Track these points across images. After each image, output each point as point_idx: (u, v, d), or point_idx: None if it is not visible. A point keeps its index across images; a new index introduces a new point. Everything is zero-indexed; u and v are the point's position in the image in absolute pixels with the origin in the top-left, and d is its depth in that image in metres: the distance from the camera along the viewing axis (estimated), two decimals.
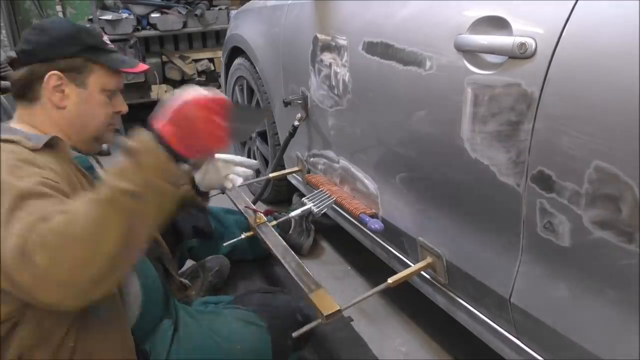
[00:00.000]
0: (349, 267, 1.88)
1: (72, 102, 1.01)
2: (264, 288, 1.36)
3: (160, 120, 0.75)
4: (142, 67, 1.11)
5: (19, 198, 0.72)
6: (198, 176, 1.26)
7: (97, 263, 0.68)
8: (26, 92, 0.99)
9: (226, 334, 1.09)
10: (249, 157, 2.47)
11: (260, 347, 1.12)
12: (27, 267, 0.66)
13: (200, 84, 3.70)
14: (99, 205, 0.69)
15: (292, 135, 1.79)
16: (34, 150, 0.87)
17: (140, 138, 0.74)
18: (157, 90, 3.71)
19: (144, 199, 0.70)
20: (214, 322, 1.09)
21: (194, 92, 0.76)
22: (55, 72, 0.98)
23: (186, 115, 0.75)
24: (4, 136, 0.88)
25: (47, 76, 0.97)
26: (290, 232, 1.91)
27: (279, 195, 2.25)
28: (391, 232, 1.37)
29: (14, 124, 1.01)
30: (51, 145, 0.91)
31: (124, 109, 1.09)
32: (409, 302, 1.60)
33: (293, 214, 1.55)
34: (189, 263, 1.71)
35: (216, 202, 1.82)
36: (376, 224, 1.35)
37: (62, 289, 0.68)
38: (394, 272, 1.24)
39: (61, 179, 0.85)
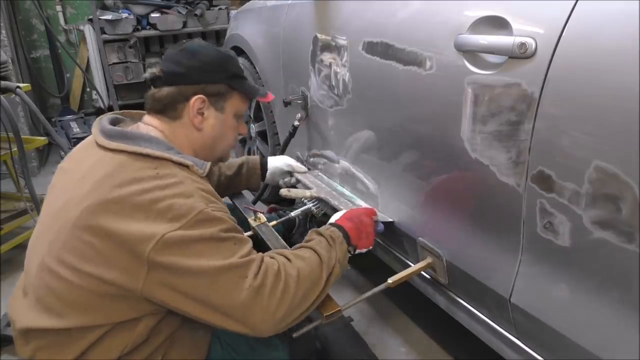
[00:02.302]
0: (349, 267, 1.88)
1: (209, 124, 1.07)
2: None
3: (346, 221, 1.16)
4: (270, 96, 1.25)
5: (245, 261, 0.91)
6: None
7: (308, 307, 0.97)
8: (169, 110, 1.04)
9: (244, 351, 1.08)
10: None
11: None
12: (268, 310, 0.89)
13: None
14: (322, 269, 1.01)
15: (292, 135, 1.79)
16: (200, 176, 0.97)
17: (336, 232, 1.11)
18: None
19: (335, 269, 1.04)
20: (235, 341, 1.08)
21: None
22: (201, 96, 1.03)
23: (362, 222, 1.18)
24: (177, 158, 0.94)
25: (193, 99, 1.03)
26: (293, 231, 1.90)
27: (279, 195, 2.25)
28: (391, 232, 1.37)
29: (149, 129, 1.02)
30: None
31: (245, 131, 1.21)
32: (409, 302, 1.60)
33: (293, 214, 1.55)
34: None
35: None
36: (376, 224, 1.35)
37: (281, 325, 0.92)
38: (394, 272, 1.23)
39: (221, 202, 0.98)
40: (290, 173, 1.63)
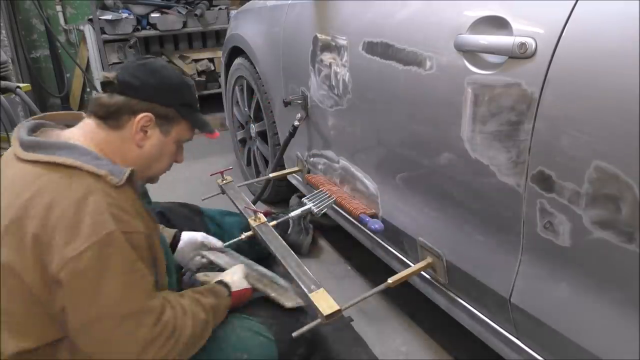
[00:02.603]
0: (349, 267, 1.88)
1: (150, 144, 1.05)
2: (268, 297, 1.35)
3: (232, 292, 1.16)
4: (217, 134, 1.21)
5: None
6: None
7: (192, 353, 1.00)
8: (111, 118, 1.01)
9: (233, 342, 1.09)
10: (248, 157, 2.48)
11: (266, 359, 1.12)
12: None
13: (200, 84, 3.72)
14: (208, 324, 1.03)
15: (292, 135, 1.79)
16: (116, 187, 0.92)
17: (222, 292, 1.14)
18: None
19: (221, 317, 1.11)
20: (222, 328, 1.09)
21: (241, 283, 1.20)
22: (149, 114, 1.02)
23: (239, 296, 1.18)
24: (89, 167, 0.91)
25: (140, 115, 1.01)
26: (289, 231, 1.91)
27: (279, 195, 2.25)
28: (391, 232, 1.37)
29: (81, 136, 1.00)
30: (128, 178, 0.95)
31: (182, 160, 1.18)
32: (409, 302, 1.60)
33: (292, 214, 1.55)
34: None
35: (215, 203, 1.82)
36: (376, 224, 1.35)
37: None
38: (394, 272, 1.24)
39: (138, 219, 0.95)
40: (202, 248, 1.43)
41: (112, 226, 0.87)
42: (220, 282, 1.17)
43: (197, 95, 1.15)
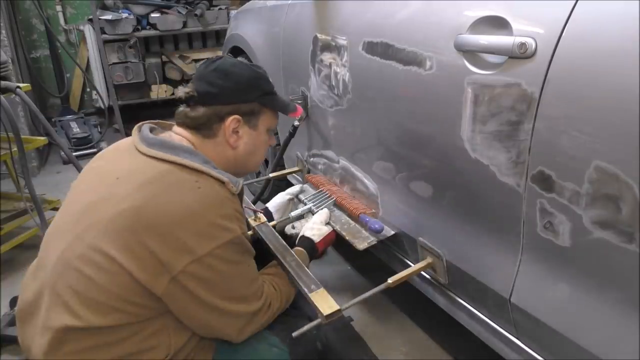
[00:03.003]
0: (349, 267, 1.88)
1: (243, 142, 1.08)
2: (289, 312, 1.36)
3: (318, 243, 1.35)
4: (300, 111, 1.27)
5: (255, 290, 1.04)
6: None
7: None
8: (203, 129, 1.04)
9: (248, 353, 1.08)
10: None
11: None
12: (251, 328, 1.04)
13: None
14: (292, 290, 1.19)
15: (292, 135, 1.79)
16: (233, 194, 0.98)
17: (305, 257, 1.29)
18: (157, 90, 3.71)
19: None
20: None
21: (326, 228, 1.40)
22: (237, 116, 1.04)
23: (325, 242, 1.38)
24: (214, 173, 0.96)
25: (229, 120, 1.04)
26: None
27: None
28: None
29: (183, 140, 1.03)
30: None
31: (274, 142, 1.23)
32: (409, 302, 1.60)
33: (293, 214, 1.55)
34: None
35: None
36: (376, 224, 1.35)
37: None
38: (394, 272, 1.24)
39: (244, 221, 1.03)
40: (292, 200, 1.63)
41: (237, 228, 0.94)
42: (304, 240, 1.33)
43: (270, 80, 1.17)
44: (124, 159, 0.99)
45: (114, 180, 0.94)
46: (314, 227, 1.37)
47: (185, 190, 0.91)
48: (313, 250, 1.32)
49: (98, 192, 0.94)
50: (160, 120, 1.14)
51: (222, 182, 0.96)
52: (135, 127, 1.05)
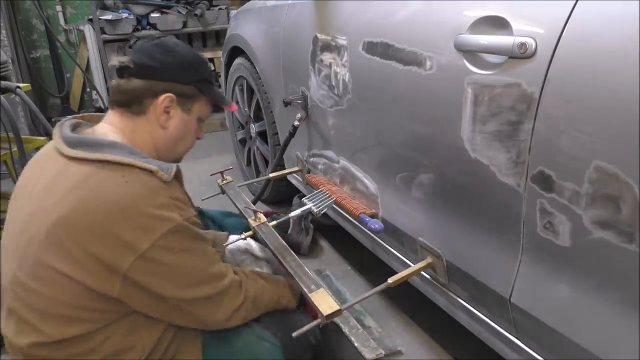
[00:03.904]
0: (349, 267, 1.88)
1: (174, 124, 1.06)
2: None
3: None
4: (234, 107, 1.25)
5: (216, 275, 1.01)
6: None
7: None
8: (134, 104, 1.02)
9: (239, 346, 1.08)
10: (248, 157, 2.48)
11: None
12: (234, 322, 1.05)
13: None
14: (276, 303, 1.17)
15: (292, 135, 1.79)
16: (166, 182, 0.93)
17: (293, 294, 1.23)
18: None
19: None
20: (227, 332, 1.08)
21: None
22: (171, 94, 1.02)
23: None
24: (140, 163, 0.91)
25: (162, 97, 1.02)
26: (289, 231, 1.91)
27: (279, 195, 2.25)
28: (391, 232, 1.37)
29: (111, 131, 1.01)
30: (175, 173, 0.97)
31: (203, 136, 1.20)
32: (409, 302, 1.60)
33: (292, 214, 1.55)
34: None
35: (215, 203, 1.82)
36: (376, 224, 1.35)
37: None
38: (394, 272, 1.23)
39: (189, 207, 0.98)
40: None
41: (177, 216, 0.90)
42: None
43: (211, 70, 1.16)
44: (49, 166, 0.95)
45: (41, 190, 0.91)
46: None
47: (112, 187, 0.87)
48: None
49: (29, 206, 0.92)
50: (85, 114, 1.12)
51: (151, 172, 0.91)
52: (57, 125, 1.00)
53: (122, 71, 1.02)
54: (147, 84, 1.01)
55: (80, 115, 1.10)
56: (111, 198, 0.86)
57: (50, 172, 0.93)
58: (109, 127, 1.02)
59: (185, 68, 1.05)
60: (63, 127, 0.99)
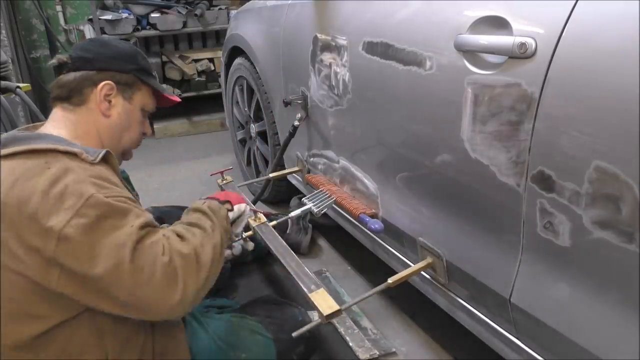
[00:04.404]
0: (349, 267, 1.88)
1: (117, 112, 1.08)
2: (272, 299, 1.36)
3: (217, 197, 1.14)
4: (176, 99, 1.24)
5: (139, 231, 0.88)
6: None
7: (211, 281, 0.94)
8: (74, 95, 1.03)
9: (232, 341, 1.09)
10: (248, 157, 2.48)
11: (265, 358, 1.12)
12: (175, 293, 0.86)
13: (200, 84, 3.71)
14: (216, 245, 0.96)
15: (292, 135, 1.79)
16: (92, 163, 0.92)
17: (214, 204, 1.08)
18: None
19: (224, 236, 1.03)
20: (220, 328, 1.09)
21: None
22: (110, 82, 1.04)
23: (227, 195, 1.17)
24: (63, 147, 0.91)
25: (101, 84, 1.04)
26: (287, 231, 1.91)
27: (279, 195, 2.25)
28: (391, 232, 1.37)
29: (51, 127, 1.02)
30: (104, 158, 0.96)
31: (149, 131, 1.20)
32: (409, 302, 1.60)
33: (292, 214, 1.55)
34: None
35: None
36: (376, 224, 1.35)
37: (187, 306, 0.89)
38: (394, 272, 1.24)
39: (119, 189, 0.94)
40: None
41: (92, 190, 0.86)
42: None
43: (149, 62, 1.18)
44: None
45: None
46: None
47: (35, 174, 0.87)
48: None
49: None
50: (34, 124, 1.11)
51: (74, 154, 0.91)
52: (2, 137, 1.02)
53: (60, 68, 1.05)
54: (86, 75, 1.04)
55: (25, 127, 1.09)
56: (34, 184, 0.85)
57: None
58: (51, 124, 1.03)
59: (121, 57, 1.08)
60: (2, 135, 1.00)
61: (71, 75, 1.03)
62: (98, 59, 1.05)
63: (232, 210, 1.14)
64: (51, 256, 0.83)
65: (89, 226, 0.84)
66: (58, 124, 1.03)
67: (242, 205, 1.19)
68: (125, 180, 1.08)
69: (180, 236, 0.94)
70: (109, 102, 1.06)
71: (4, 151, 0.92)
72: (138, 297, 0.86)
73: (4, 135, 0.98)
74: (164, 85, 1.23)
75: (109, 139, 1.08)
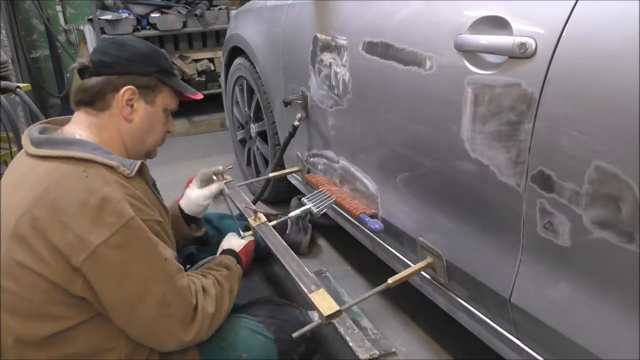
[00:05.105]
0: (349, 267, 1.88)
1: (139, 116, 1.07)
2: (273, 300, 1.36)
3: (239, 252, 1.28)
4: (199, 95, 1.22)
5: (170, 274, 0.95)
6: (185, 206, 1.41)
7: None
8: (97, 100, 1.03)
9: (233, 341, 1.09)
10: (248, 157, 2.48)
11: (266, 358, 1.12)
12: (189, 333, 0.96)
13: (200, 84, 3.72)
14: (228, 295, 1.09)
15: (292, 135, 1.79)
16: (127, 177, 0.94)
17: (231, 260, 1.20)
18: None
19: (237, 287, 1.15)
20: (221, 328, 1.09)
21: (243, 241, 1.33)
22: (132, 87, 1.03)
23: (247, 252, 1.31)
24: (101, 159, 0.92)
25: (123, 89, 1.03)
26: (287, 231, 1.91)
27: (279, 195, 2.25)
28: (391, 232, 1.37)
29: (77, 128, 1.02)
30: (139, 171, 0.98)
31: (173, 129, 1.20)
32: (409, 302, 1.60)
33: (292, 214, 1.55)
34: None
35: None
36: (376, 224, 1.35)
37: (197, 342, 1.01)
38: (394, 272, 1.23)
39: (152, 207, 0.97)
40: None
41: (132, 212, 0.89)
42: (224, 251, 1.27)
43: (171, 62, 1.17)
44: (19, 167, 0.98)
45: (11, 191, 0.93)
46: (232, 241, 1.33)
47: (72, 182, 0.88)
48: (237, 257, 1.25)
49: (2, 207, 0.93)
50: (53, 118, 1.12)
51: (112, 167, 0.93)
52: (26, 130, 1.02)
53: (83, 72, 1.04)
54: (107, 80, 1.02)
55: (47, 120, 1.10)
56: (70, 192, 0.87)
57: (18, 174, 0.95)
58: (76, 126, 1.03)
59: (141, 60, 1.06)
60: (31, 130, 1.01)
61: (93, 80, 1.02)
62: (118, 63, 1.03)
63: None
64: (77, 266, 0.85)
65: (125, 248, 0.88)
66: (83, 127, 1.02)
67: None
68: (153, 186, 1.08)
69: (205, 287, 1.03)
70: (131, 106, 1.05)
71: (39, 152, 0.93)
72: (151, 330, 0.93)
73: (35, 133, 0.99)
74: (186, 84, 1.21)
75: (132, 143, 1.07)
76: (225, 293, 1.08)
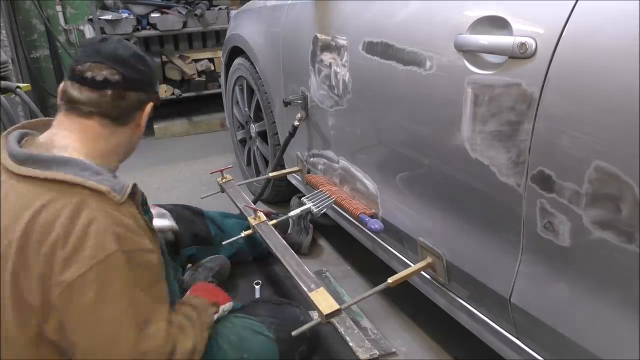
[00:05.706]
0: (349, 267, 1.88)
1: (141, 126, 1.06)
2: (273, 299, 1.36)
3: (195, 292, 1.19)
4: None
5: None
6: None
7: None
8: (124, 117, 0.99)
9: (234, 341, 1.09)
10: (248, 157, 2.48)
11: (267, 358, 1.12)
12: None
13: (200, 84, 3.71)
14: (205, 340, 1.02)
15: (292, 135, 1.79)
16: (117, 203, 0.88)
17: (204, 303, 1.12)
18: None
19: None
20: (222, 328, 1.09)
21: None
22: (152, 103, 1.04)
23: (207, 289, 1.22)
24: (90, 183, 0.86)
25: (149, 106, 1.03)
26: (289, 231, 1.91)
27: (279, 195, 2.25)
28: (391, 232, 1.37)
29: (63, 137, 0.94)
30: (130, 193, 0.92)
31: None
32: (409, 302, 1.60)
33: (292, 213, 1.55)
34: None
35: (215, 202, 1.82)
36: (376, 224, 1.35)
37: None
38: (394, 272, 1.24)
39: (142, 234, 0.92)
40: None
41: (113, 246, 0.84)
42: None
43: None
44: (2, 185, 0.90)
45: None
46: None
47: (56, 211, 0.84)
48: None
49: None
50: (28, 122, 1.04)
51: (101, 193, 0.87)
52: (2, 136, 0.94)
53: (105, 84, 0.95)
54: (138, 97, 1.01)
55: (22, 124, 1.02)
56: (55, 222, 0.83)
57: (2, 194, 0.89)
58: (65, 133, 0.95)
59: (155, 75, 1.07)
60: (9, 139, 0.93)
61: (129, 97, 0.98)
62: (145, 80, 1.01)
63: (217, 312, 1.14)
64: (53, 301, 0.83)
65: (98, 288, 0.83)
66: (74, 135, 0.94)
67: (227, 305, 1.18)
68: (143, 203, 1.03)
69: (182, 327, 0.97)
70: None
71: (22, 171, 0.87)
72: None
73: (14, 145, 0.91)
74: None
75: (126, 152, 1.06)
76: (202, 327, 1.03)
